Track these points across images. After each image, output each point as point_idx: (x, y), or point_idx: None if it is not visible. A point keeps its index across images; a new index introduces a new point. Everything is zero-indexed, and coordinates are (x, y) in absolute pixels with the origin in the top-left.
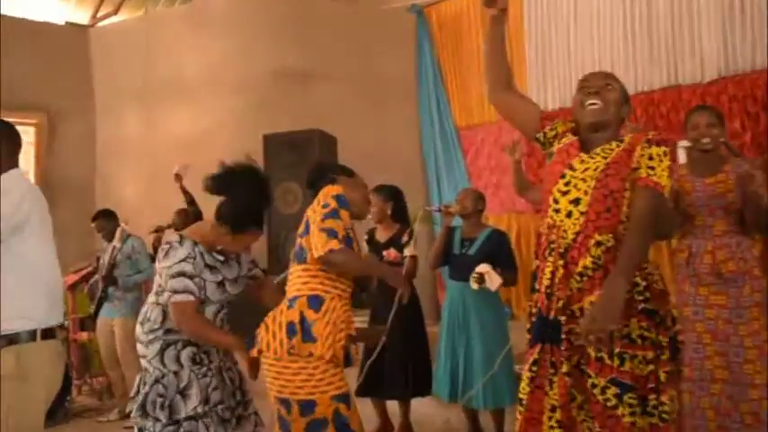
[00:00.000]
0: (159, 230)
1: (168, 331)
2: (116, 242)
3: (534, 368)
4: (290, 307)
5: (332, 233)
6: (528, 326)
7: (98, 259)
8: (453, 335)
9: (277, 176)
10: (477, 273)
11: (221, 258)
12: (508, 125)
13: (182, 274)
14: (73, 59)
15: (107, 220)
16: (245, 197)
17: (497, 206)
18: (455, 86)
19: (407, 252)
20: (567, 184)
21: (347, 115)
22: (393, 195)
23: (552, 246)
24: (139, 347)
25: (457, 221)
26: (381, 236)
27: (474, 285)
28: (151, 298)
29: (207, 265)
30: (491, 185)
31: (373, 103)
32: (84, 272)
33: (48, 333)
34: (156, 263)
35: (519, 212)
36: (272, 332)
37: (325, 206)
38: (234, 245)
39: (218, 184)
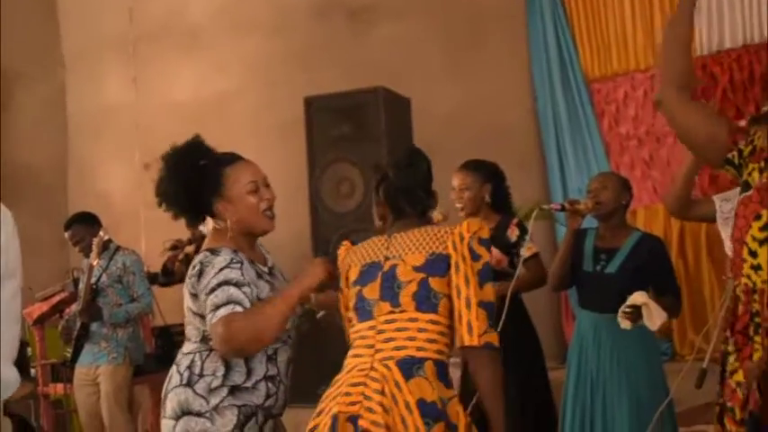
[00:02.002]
0: (177, 247)
1: (235, 390)
2: (93, 259)
3: None
4: (410, 374)
5: (491, 311)
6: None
7: (76, 282)
8: (585, 384)
9: (325, 156)
10: (630, 306)
11: (266, 269)
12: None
13: (224, 283)
14: (32, 1)
15: (86, 227)
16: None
17: (649, 194)
18: (584, 19)
19: (525, 252)
20: (765, 227)
21: (424, 66)
22: (493, 175)
23: (757, 320)
24: (192, 423)
25: (590, 222)
26: None
27: (624, 324)
28: (191, 344)
29: (259, 275)
30: (640, 163)
31: (461, 47)
32: (56, 299)
33: None
34: (188, 301)
35: None
36: (401, 416)
37: (475, 256)
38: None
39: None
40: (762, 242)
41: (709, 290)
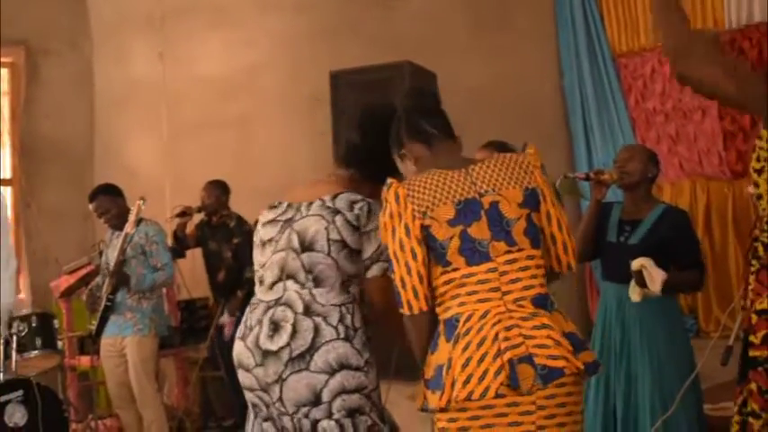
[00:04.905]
0: (185, 214)
1: (368, 342)
2: (130, 228)
3: (745, 410)
4: (550, 308)
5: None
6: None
7: (100, 254)
8: (608, 359)
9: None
10: (635, 270)
11: None
12: None
13: None
14: None
15: (111, 198)
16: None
17: (675, 169)
18: None
19: None
20: None
21: (450, 41)
22: None
23: None
24: (350, 377)
25: (615, 194)
26: None
27: (634, 296)
28: (331, 294)
29: None
30: (666, 138)
31: (488, 21)
32: (82, 272)
33: None
34: (340, 234)
35: (708, 178)
36: (566, 348)
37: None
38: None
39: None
40: None
41: (735, 266)
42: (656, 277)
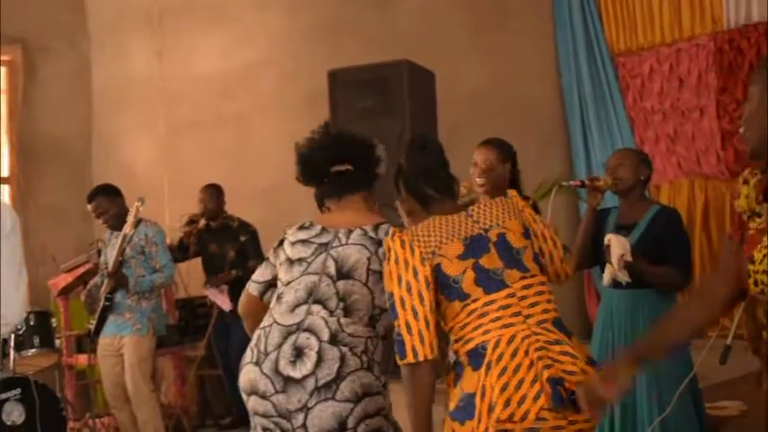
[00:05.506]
0: (194, 222)
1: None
2: (127, 229)
3: None
4: (567, 333)
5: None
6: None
7: (99, 253)
8: (606, 357)
9: (349, 129)
10: (606, 246)
11: None
12: (687, 48)
13: None
14: None
15: (110, 198)
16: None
17: (674, 168)
18: None
19: None
20: (755, 284)
21: (448, 40)
22: (511, 155)
23: None
24: (372, 403)
25: (613, 199)
26: None
27: (605, 278)
28: (359, 325)
29: None
30: (665, 138)
31: (486, 21)
32: (80, 271)
33: None
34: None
35: (706, 177)
36: (591, 374)
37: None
38: None
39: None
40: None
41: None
42: (614, 252)
